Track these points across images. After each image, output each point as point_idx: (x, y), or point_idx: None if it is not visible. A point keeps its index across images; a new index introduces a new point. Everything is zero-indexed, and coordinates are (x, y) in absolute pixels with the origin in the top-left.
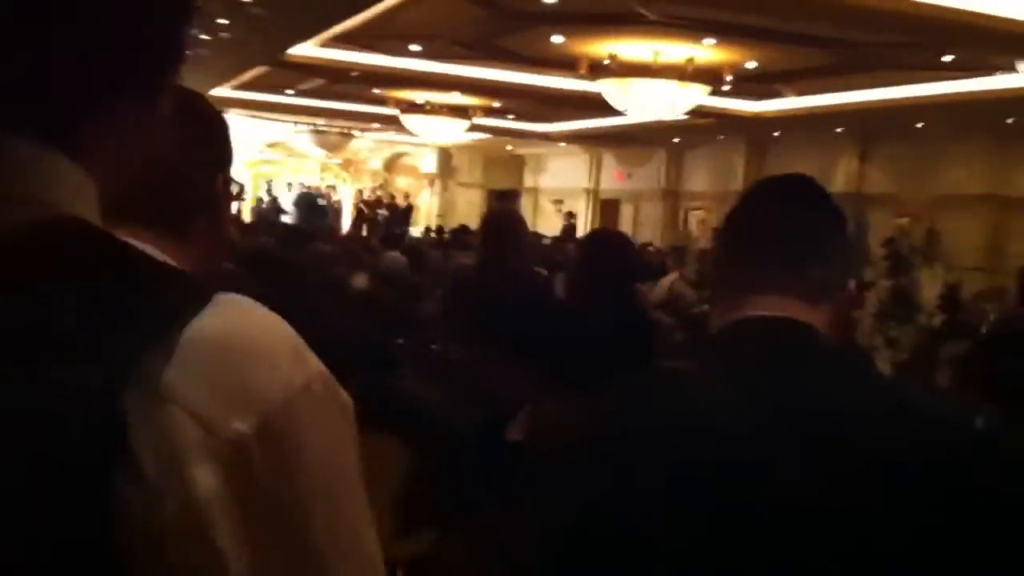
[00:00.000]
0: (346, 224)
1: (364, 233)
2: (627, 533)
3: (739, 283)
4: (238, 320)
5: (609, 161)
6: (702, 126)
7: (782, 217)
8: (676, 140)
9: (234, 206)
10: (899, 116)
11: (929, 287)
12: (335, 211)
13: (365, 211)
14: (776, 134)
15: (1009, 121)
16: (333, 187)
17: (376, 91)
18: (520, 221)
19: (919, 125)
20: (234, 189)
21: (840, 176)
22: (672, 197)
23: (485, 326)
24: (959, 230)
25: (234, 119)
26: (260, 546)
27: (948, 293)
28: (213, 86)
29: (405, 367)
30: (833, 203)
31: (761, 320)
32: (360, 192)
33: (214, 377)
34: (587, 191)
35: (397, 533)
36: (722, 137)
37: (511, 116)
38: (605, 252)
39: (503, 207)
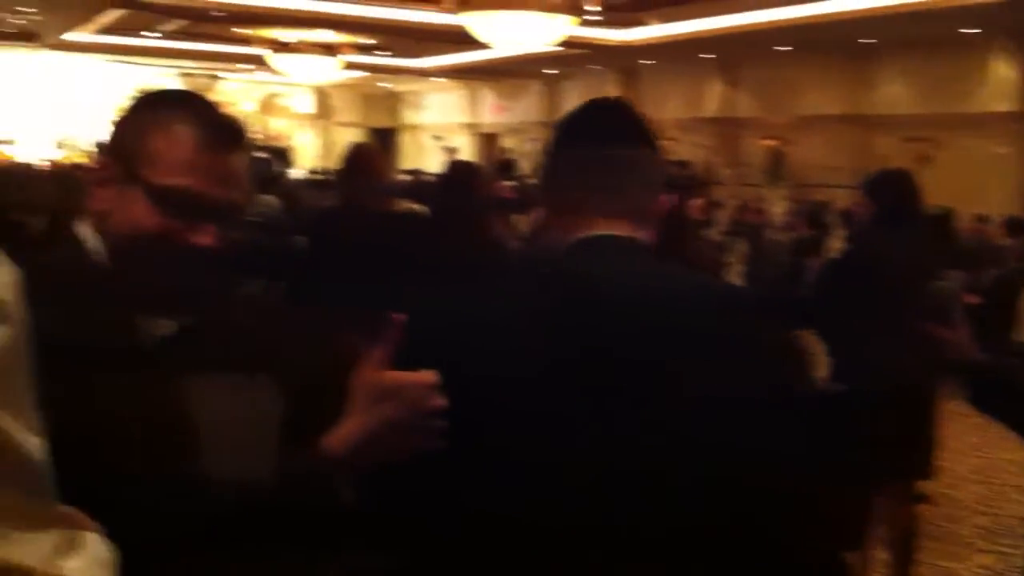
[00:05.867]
0: None
1: None
2: None
3: (568, 210)
4: None
5: (487, 95)
6: (573, 57)
7: (601, 147)
8: (550, 72)
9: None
10: (760, 40)
11: (772, 204)
12: None
13: None
14: (645, 63)
15: (863, 42)
16: None
17: (238, 30)
18: (376, 156)
19: (780, 48)
20: None
21: (710, 101)
22: (550, 128)
23: (338, 273)
24: (820, 150)
25: (98, 64)
26: None
27: (814, 210)
28: (66, 29)
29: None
30: (644, 127)
31: (601, 238)
32: None
33: None
34: (466, 126)
35: None
36: (595, 67)
37: (385, 53)
38: (451, 185)
39: (359, 143)
